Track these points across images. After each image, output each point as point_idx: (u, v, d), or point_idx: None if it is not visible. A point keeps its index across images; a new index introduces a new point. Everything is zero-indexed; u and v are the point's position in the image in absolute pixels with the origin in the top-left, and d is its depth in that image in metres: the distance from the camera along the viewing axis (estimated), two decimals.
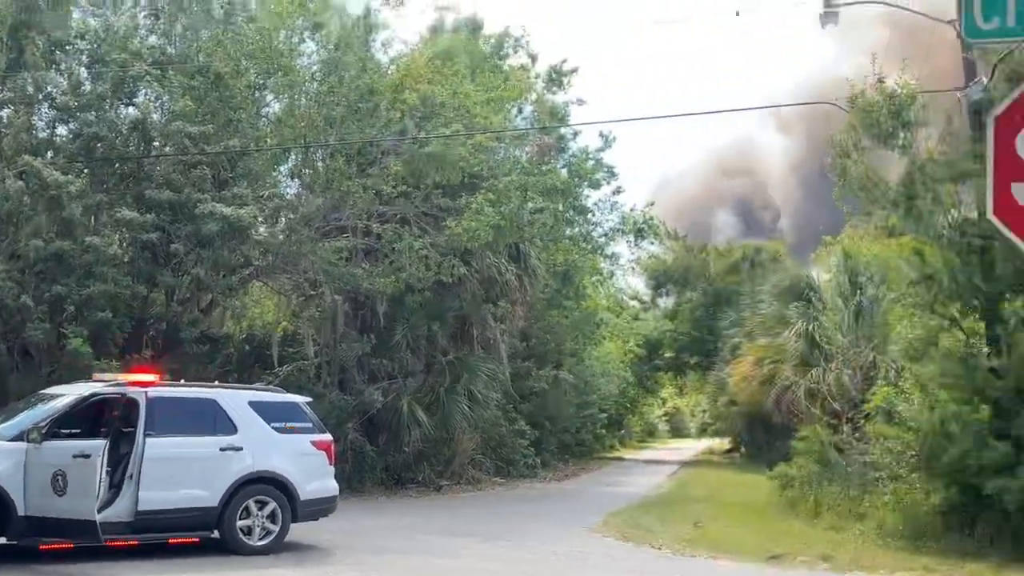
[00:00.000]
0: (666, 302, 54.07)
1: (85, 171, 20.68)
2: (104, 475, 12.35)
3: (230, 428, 13.59)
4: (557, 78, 30.57)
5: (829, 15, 18.51)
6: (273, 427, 13.97)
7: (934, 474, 15.60)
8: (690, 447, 61.77)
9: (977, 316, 15.85)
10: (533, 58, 30.82)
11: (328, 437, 14.69)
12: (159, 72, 21.10)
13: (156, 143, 21.17)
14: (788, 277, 30.06)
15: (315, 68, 22.59)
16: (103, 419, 13.31)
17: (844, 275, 25.65)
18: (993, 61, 14.71)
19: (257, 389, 15.83)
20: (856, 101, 15.64)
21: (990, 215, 4.44)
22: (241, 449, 13.48)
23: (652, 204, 33.75)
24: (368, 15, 22.49)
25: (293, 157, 23.18)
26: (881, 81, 15.58)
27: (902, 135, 15.20)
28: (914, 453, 15.74)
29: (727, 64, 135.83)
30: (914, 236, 16.13)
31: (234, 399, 14.00)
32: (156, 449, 12.74)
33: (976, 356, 15.57)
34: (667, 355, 51.29)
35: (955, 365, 15.32)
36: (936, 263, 15.81)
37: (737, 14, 27.07)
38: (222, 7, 21.55)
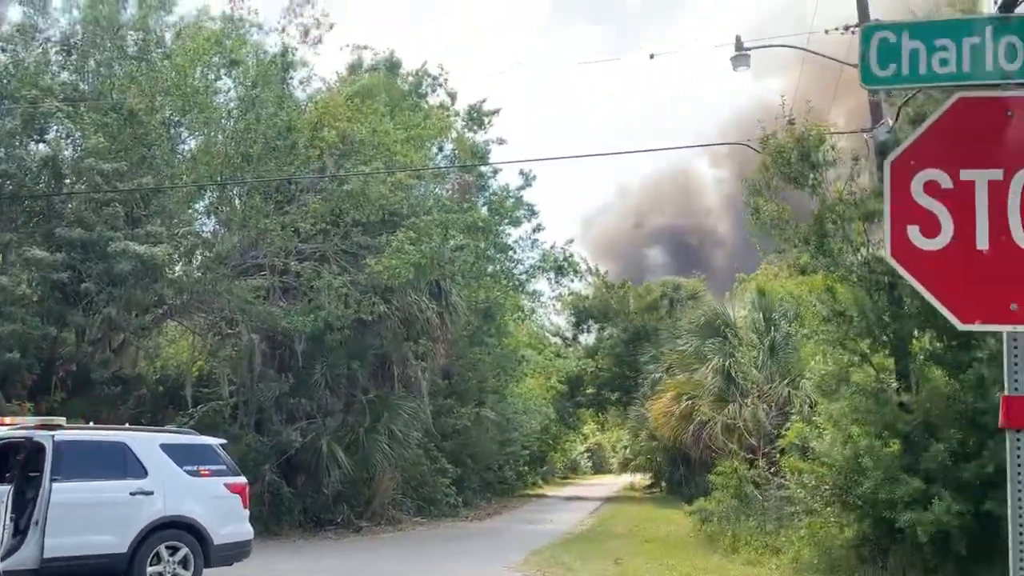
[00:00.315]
0: (587, 338, 54.49)
1: None
2: (8, 521, 11.94)
3: (140, 472, 13.26)
4: (477, 117, 30.76)
5: (740, 58, 19.02)
6: (185, 470, 13.68)
7: (847, 508, 15.85)
8: (612, 483, 61.94)
9: (887, 352, 16.21)
10: (452, 96, 31.04)
11: (242, 480, 14.41)
12: (71, 108, 20.69)
13: (67, 180, 20.72)
14: (705, 313, 30.46)
15: (232, 105, 22.36)
16: (8, 463, 12.89)
17: (758, 312, 26.14)
18: (898, 103, 15.21)
19: (169, 432, 15.46)
20: (768, 142, 15.98)
21: (887, 257, 4.54)
22: (152, 493, 13.15)
23: (571, 241, 34.12)
24: (285, 53, 22.33)
25: (209, 194, 22.87)
26: (791, 123, 15.95)
27: (812, 176, 15.56)
28: (828, 487, 15.96)
29: (663, 100, 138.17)
30: (825, 274, 16.46)
31: (145, 442, 13.68)
32: (63, 494, 12.36)
33: (886, 391, 15.90)
34: (588, 391, 51.54)
35: (866, 400, 15.61)
36: (847, 300, 16.14)
37: (651, 57, 27.58)
38: (136, 43, 21.23)
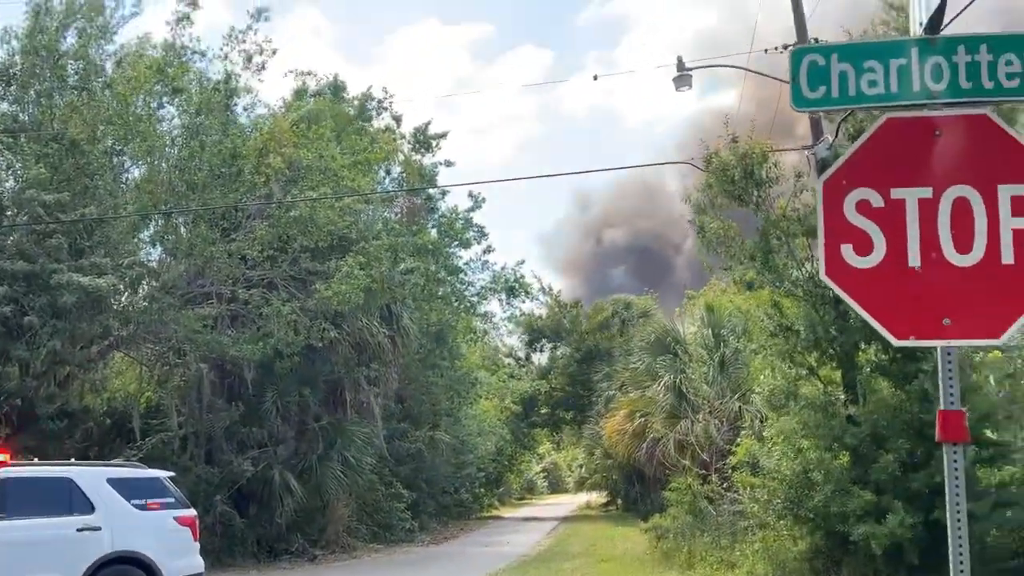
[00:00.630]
0: (540, 358, 54.61)
1: None
2: None
3: (87, 507, 13.08)
4: (424, 140, 30.81)
5: (683, 78, 19.25)
6: (133, 504, 13.54)
7: (799, 521, 15.96)
8: (568, 502, 61.90)
9: (834, 364, 16.41)
10: (397, 120, 31.06)
11: (192, 512, 14.26)
12: (11, 140, 20.38)
13: (8, 213, 20.36)
14: (656, 331, 30.64)
15: (176, 133, 22.17)
16: None
17: (708, 328, 26.36)
18: (837, 120, 15.46)
19: (116, 465, 15.27)
20: (712, 160, 16.15)
21: (822, 276, 4.62)
22: (99, 529, 12.97)
23: (523, 262, 34.18)
24: (229, 80, 22.19)
25: (154, 223, 22.61)
26: (734, 141, 16.14)
27: (756, 193, 15.75)
28: (780, 501, 16.07)
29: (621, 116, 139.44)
30: (772, 289, 16.64)
31: (91, 477, 13.50)
32: (8, 532, 12.17)
33: (834, 404, 16.08)
34: (543, 411, 51.58)
35: (815, 414, 15.77)
36: (793, 314, 16.33)
37: (595, 78, 27.76)
38: (77, 73, 20.98)
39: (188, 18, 21.79)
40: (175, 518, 13.80)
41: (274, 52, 22.78)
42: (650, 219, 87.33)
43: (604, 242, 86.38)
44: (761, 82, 20.24)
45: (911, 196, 4.54)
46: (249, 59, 22.31)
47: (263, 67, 22.68)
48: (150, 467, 15.45)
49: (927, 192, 4.53)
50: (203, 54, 22.31)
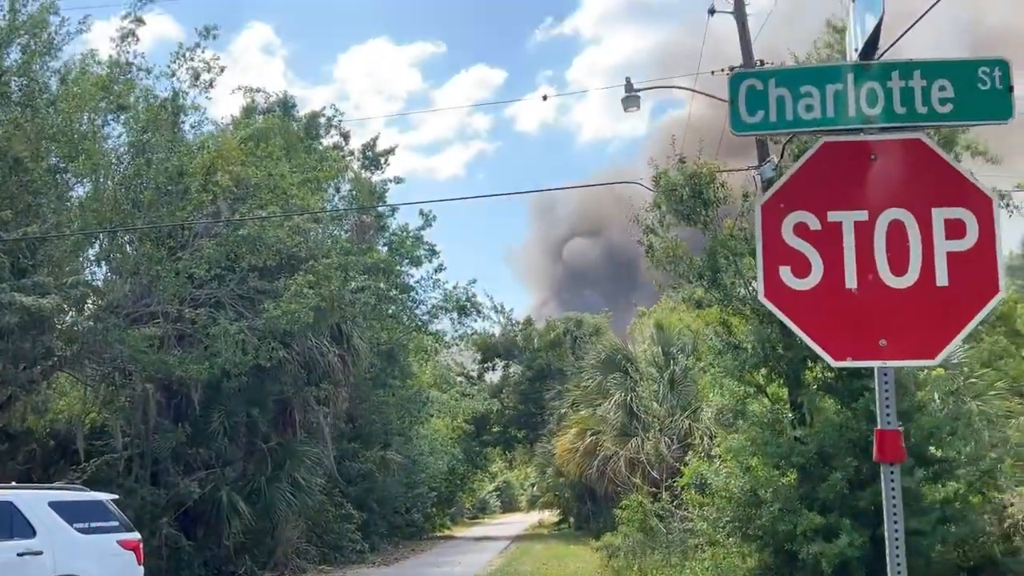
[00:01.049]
0: (493, 376, 54.57)
1: None
2: None
3: (28, 531, 12.83)
4: (373, 157, 30.76)
5: (631, 99, 19.41)
6: (76, 528, 13.32)
7: (748, 539, 16.08)
8: (521, 520, 61.87)
9: (781, 382, 16.58)
10: (346, 137, 31.00)
11: (136, 536, 14.05)
12: None
13: None
14: (607, 349, 30.76)
15: (122, 150, 21.89)
16: None
17: (658, 346, 26.53)
18: (782, 142, 15.68)
19: (58, 488, 14.99)
20: (660, 180, 16.30)
21: (761, 298, 4.67)
22: (41, 553, 12.72)
23: (474, 282, 34.19)
24: (176, 97, 21.98)
25: (99, 242, 22.28)
26: (682, 161, 16.30)
27: (704, 212, 15.91)
28: (728, 519, 16.19)
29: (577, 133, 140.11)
30: (720, 307, 16.79)
31: (33, 500, 13.24)
32: None
33: (782, 422, 16.24)
34: (495, 429, 51.50)
35: (763, 432, 15.91)
36: (741, 332, 16.49)
37: (544, 99, 27.94)
38: (20, 89, 20.66)
39: (134, 34, 21.55)
40: (119, 541, 13.60)
41: (222, 70, 22.57)
42: (616, 229, 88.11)
43: (570, 254, 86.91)
44: (714, 101, 20.47)
45: (847, 219, 4.61)
46: (197, 77, 22.09)
47: (211, 85, 22.45)
48: (94, 489, 15.22)
49: (863, 215, 4.60)
50: (149, 71, 22.04)
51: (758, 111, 4.80)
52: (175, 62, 21.82)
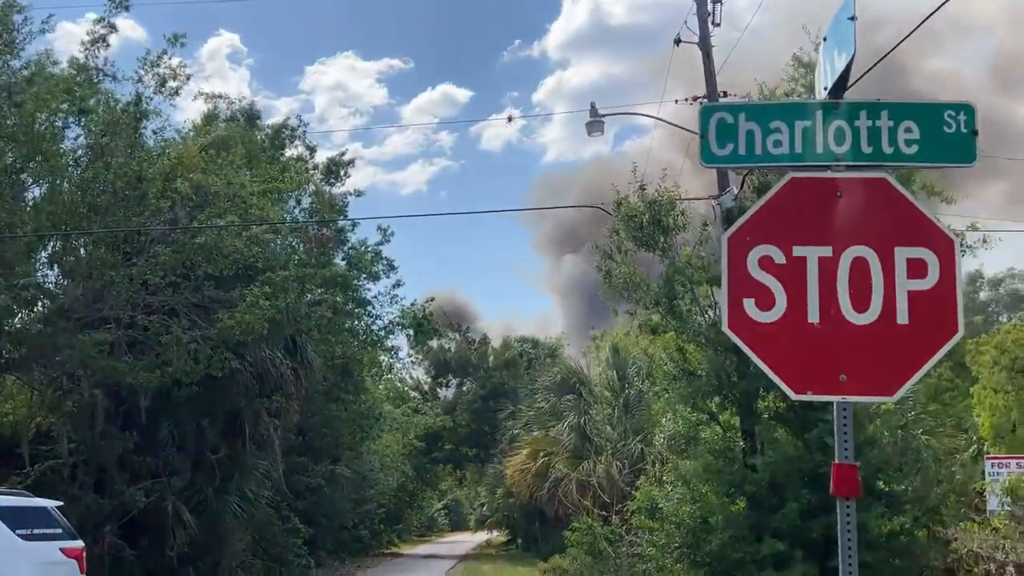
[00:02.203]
0: (446, 392, 54.44)
1: None
2: None
3: None
4: (335, 169, 30.63)
5: (595, 124, 19.53)
6: (18, 534, 13.04)
7: (696, 565, 16.13)
8: (469, 540, 61.60)
9: (734, 410, 16.69)
10: (311, 149, 30.83)
11: (79, 544, 13.80)
12: None
13: None
14: (562, 371, 30.81)
15: (80, 153, 21.59)
16: None
17: (613, 370, 26.63)
18: (743, 173, 15.84)
19: (2, 494, 14.67)
20: (620, 207, 16.39)
21: (724, 328, 4.70)
22: None
23: (432, 300, 33.96)
24: (139, 102, 21.74)
25: (53, 244, 21.93)
26: (642, 188, 16.41)
27: (662, 239, 16.01)
28: (677, 545, 16.23)
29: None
30: (676, 334, 16.88)
31: None
32: None
33: (733, 450, 16.33)
34: (447, 447, 51.30)
35: (715, 459, 15.99)
36: (696, 360, 16.60)
37: (509, 120, 28.03)
38: None
39: (104, 40, 21.32)
40: (62, 549, 13.34)
41: (188, 78, 22.43)
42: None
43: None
44: (675, 130, 20.65)
45: (812, 254, 4.66)
46: (163, 83, 21.91)
47: (177, 92, 22.28)
48: (38, 495, 14.92)
49: (827, 251, 4.65)
50: (114, 77, 21.81)
51: (727, 144, 4.85)
52: (142, 68, 21.61)
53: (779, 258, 4.67)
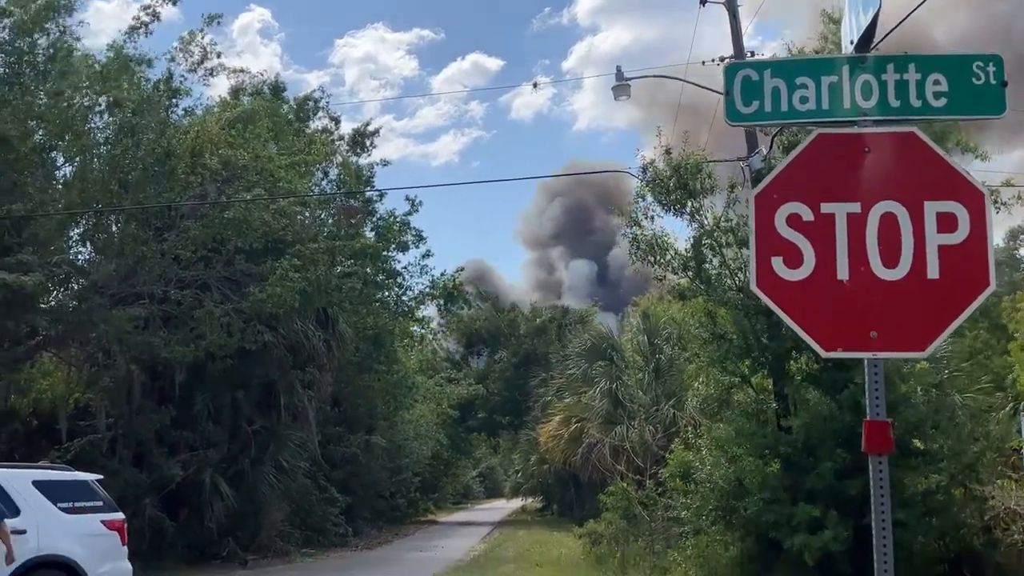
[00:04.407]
0: (478, 362, 54.60)
1: None
2: None
3: (12, 510, 12.72)
4: (360, 140, 30.65)
5: (621, 87, 19.38)
6: (60, 507, 13.23)
7: (731, 527, 16.14)
8: (504, 507, 62.00)
9: (766, 373, 16.62)
10: (335, 120, 30.86)
11: (120, 516, 13.98)
12: None
13: None
14: (592, 337, 30.79)
15: (110, 131, 21.74)
16: None
17: (643, 335, 26.55)
18: (771, 133, 15.68)
19: (43, 467, 14.91)
20: (647, 171, 16.28)
21: (753, 287, 4.68)
22: (24, 532, 12.63)
23: (462, 269, 34.04)
24: (171, 79, 21.92)
25: (85, 222, 22.16)
26: (668, 152, 16.27)
27: (690, 203, 15.90)
28: (712, 507, 16.24)
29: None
30: (705, 298, 16.80)
31: (17, 479, 13.16)
32: None
33: (766, 412, 16.29)
34: (480, 415, 51.51)
35: (747, 422, 15.97)
36: (726, 323, 16.52)
37: (535, 86, 27.89)
38: (8, 67, 20.47)
39: (147, 27, 21.54)
40: (103, 521, 13.52)
41: (219, 55, 22.63)
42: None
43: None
44: (705, 93, 20.46)
45: (840, 211, 4.62)
46: (200, 62, 22.15)
47: (212, 73, 22.58)
48: (78, 470, 15.15)
49: (856, 207, 4.61)
50: (149, 63, 22.06)
51: (753, 102, 4.80)
52: (179, 50, 21.86)
53: (807, 215, 4.63)
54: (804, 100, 4.74)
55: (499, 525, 42.56)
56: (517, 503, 60.31)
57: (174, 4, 21.69)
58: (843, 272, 4.57)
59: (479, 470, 75.04)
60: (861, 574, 14.46)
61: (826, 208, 4.63)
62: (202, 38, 22.17)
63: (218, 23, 22.42)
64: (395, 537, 34.29)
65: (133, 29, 21.57)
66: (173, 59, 22.13)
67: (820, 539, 14.05)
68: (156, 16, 21.59)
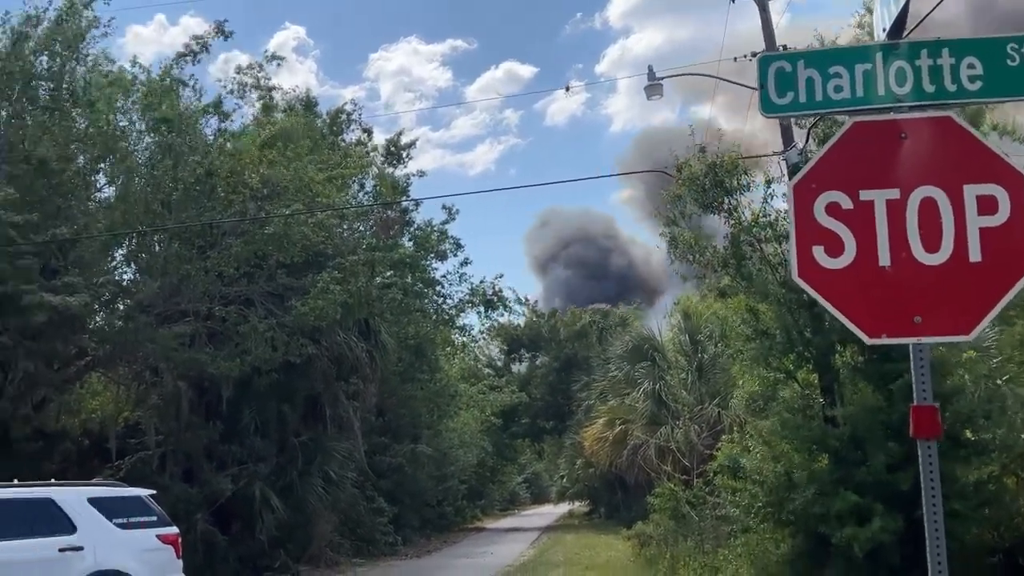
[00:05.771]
0: (520, 367, 54.65)
1: None
2: None
3: (69, 527, 12.96)
4: (396, 151, 30.87)
5: (654, 87, 19.38)
6: (115, 523, 13.41)
7: (781, 524, 16.03)
8: (551, 512, 61.94)
9: (810, 367, 16.52)
10: (368, 132, 31.10)
11: (174, 530, 14.16)
12: None
13: None
14: (634, 339, 30.75)
15: (150, 151, 22.09)
16: None
17: (685, 334, 26.50)
18: (807, 126, 15.61)
19: (97, 485, 15.12)
20: (682, 170, 16.25)
21: (795, 277, 4.69)
22: (82, 548, 12.86)
23: (501, 276, 34.19)
24: (220, 103, 22.61)
25: (128, 242, 22.51)
26: (703, 150, 16.24)
27: (726, 200, 15.86)
28: (761, 505, 16.15)
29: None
30: (746, 295, 16.73)
31: (72, 497, 13.38)
32: None
33: (813, 407, 16.18)
34: (523, 421, 51.54)
35: (794, 417, 15.86)
36: (768, 319, 16.44)
37: (567, 90, 27.93)
38: (48, 93, 20.86)
39: (195, 55, 22.17)
40: (158, 536, 13.70)
41: (271, 84, 23.53)
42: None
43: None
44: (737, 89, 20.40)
45: (879, 197, 4.62)
46: (255, 86, 23.00)
47: (272, 105, 23.38)
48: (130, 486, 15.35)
49: (895, 193, 4.61)
50: (194, 88, 22.86)
51: (787, 93, 4.82)
52: (236, 78, 22.81)
53: (846, 203, 4.64)
54: (839, 89, 4.76)
55: (547, 530, 42.54)
56: (564, 507, 60.24)
57: (225, 39, 22.33)
58: (885, 258, 4.58)
59: (524, 476, 75.03)
60: (913, 566, 14.35)
61: (865, 195, 4.64)
62: (258, 71, 22.99)
63: (278, 64, 23.44)
64: (444, 544, 34.41)
65: (181, 56, 22.12)
66: (232, 92, 23.05)
67: (868, 530, 13.94)
68: (206, 48, 22.24)
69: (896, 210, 4.60)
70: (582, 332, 49.09)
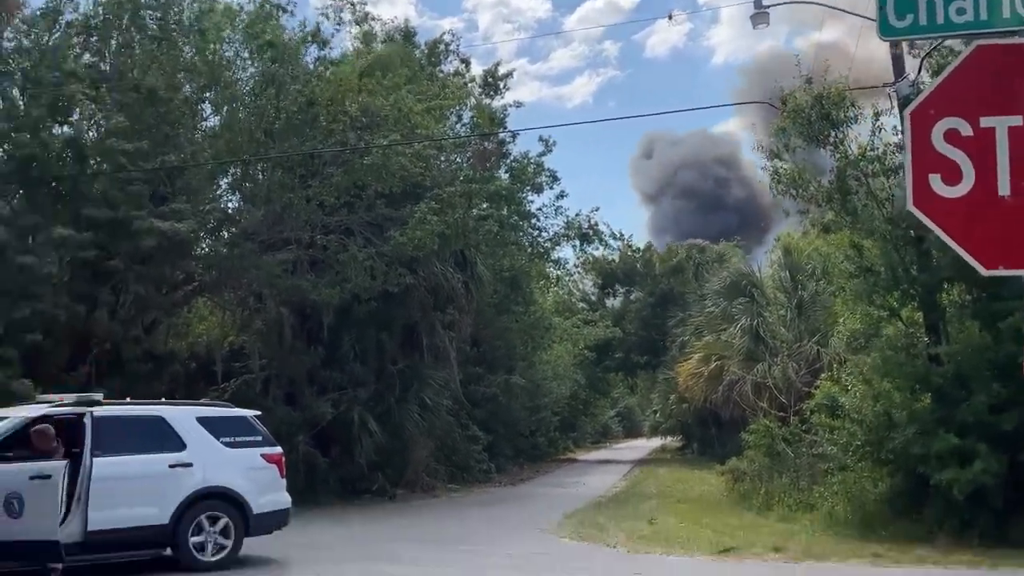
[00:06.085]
0: (614, 302, 54.52)
1: (20, 192, 20.28)
2: (64, 496, 12.12)
3: (179, 444, 13.42)
4: (493, 82, 30.70)
5: (760, 16, 18.87)
6: (222, 442, 13.79)
7: (880, 463, 15.88)
8: (643, 446, 62.20)
9: (915, 305, 16.18)
10: (466, 63, 30.95)
11: (278, 450, 14.56)
12: (94, 91, 20.74)
13: (91, 162, 20.75)
14: (732, 275, 30.41)
15: (254, 81, 22.43)
16: (60, 439, 13.01)
17: (785, 271, 26.09)
18: (920, 56, 15.09)
19: (205, 405, 15.65)
20: (787, 103, 15.88)
21: (910, 206, 4.55)
22: (191, 465, 13.31)
23: (597, 209, 33.97)
24: (318, 31, 22.81)
25: (233, 171, 23.00)
26: (809, 82, 15.84)
27: (832, 134, 15.48)
28: (860, 443, 15.99)
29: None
30: (850, 231, 16.41)
31: (182, 415, 13.82)
32: (104, 468, 12.52)
33: (916, 345, 15.89)
34: (617, 355, 51.54)
35: (896, 355, 15.61)
36: (873, 256, 16.12)
37: (670, 18, 27.41)
38: (156, 23, 21.29)
39: None
40: (263, 455, 14.07)
41: (366, 16, 23.61)
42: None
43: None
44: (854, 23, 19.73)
45: (1001, 124, 4.45)
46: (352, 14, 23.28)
47: (368, 22, 23.62)
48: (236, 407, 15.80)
49: (1017, 120, 4.42)
50: (292, 13, 22.92)
51: (907, 15, 4.64)
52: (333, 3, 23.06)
53: (966, 130, 4.48)
54: (961, 12, 4.56)
55: (639, 463, 42.77)
56: (656, 442, 60.40)
57: None
58: (1004, 188, 4.42)
59: (617, 410, 75.25)
60: (1015, 510, 14.10)
61: (986, 122, 4.46)
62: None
63: None
64: (536, 474, 34.87)
65: None
66: (324, 14, 23.16)
67: (969, 472, 13.71)
68: None
69: (1018, 138, 4.42)
70: (678, 267, 48.65)
